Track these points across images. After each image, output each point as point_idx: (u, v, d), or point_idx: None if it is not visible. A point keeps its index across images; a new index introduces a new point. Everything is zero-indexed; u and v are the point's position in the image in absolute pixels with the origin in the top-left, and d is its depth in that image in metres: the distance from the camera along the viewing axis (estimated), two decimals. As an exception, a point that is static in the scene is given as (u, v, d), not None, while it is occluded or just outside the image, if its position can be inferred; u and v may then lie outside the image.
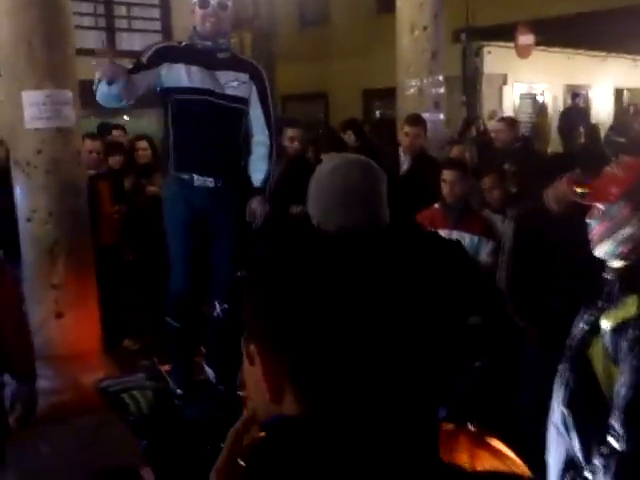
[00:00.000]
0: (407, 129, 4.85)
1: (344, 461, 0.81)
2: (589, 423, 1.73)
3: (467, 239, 3.60)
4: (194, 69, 3.34)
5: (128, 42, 8.60)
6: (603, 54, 11.49)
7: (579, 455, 1.74)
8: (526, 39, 9.77)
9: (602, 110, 12.38)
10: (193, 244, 3.43)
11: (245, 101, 3.47)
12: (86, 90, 4.08)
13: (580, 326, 1.81)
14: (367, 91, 11.34)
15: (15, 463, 2.66)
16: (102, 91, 3.10)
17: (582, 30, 8.98)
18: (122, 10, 8.69)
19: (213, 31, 3.35)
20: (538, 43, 9.78)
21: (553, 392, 1.84)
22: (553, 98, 11.88)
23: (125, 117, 9.36)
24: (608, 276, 1.76)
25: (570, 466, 1.78)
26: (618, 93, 13.06)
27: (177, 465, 2.51)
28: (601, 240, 1.75)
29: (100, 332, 4.16)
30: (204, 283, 3.56)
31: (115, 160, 5.23)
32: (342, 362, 0.85)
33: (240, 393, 2.96)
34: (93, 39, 7.91)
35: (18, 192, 4.02)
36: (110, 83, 3.02)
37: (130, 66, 3.27)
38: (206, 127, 3.34)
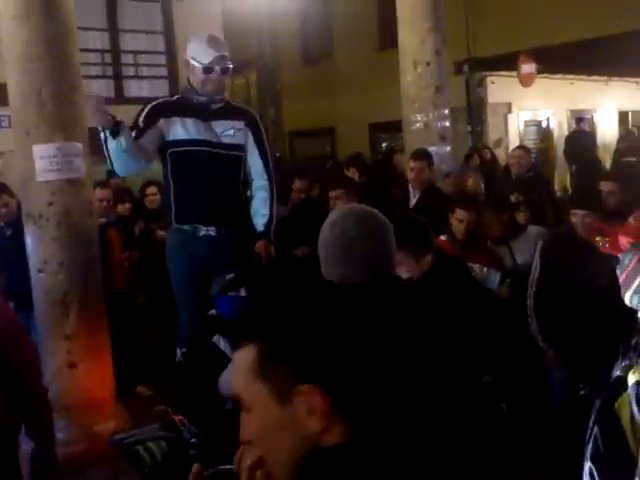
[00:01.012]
0: (412, 164, 4.92)
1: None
2: None
3: (477, 269, 3.63)
4: (189, 121, 3.41)
5: (135, 89, 8.75)
6: (605, 78, 11.55)
7: None
8: (528, 68, 9.86)
9: (607, 133, 12.40)
10: (197, 290, 3.45)
11: (242, 148, 3.54)
12: (94, 138, 4.17)
13: (615, 375, 1.77)
14: (373, 125, 11.44)
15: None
16: (113, 151, 3.15)
17: (584, 56, 9.05)
18: (129, 58, 8.86)
19: (213, 93, 3.45)
20: (540, 71, 9.87)
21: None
22: (558, 124, 11.92)
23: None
24: (638, 326, 1.74)
25: None
26: (622, 116, 13.09)
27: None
28: (625, 289, 1.75)
29: (113, 380, 4.16)
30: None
31: (124, 207, 5.29)
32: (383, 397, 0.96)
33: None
34: (101, 87, 8.07)
35: (29, 243, 4.05)
36: (114, 135, 3.07)
37: (136, 117, 3.35)
38: (206, 177, 3.40)
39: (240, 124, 3.54)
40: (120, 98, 8.12)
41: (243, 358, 0.94)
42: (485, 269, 3.70)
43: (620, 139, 11.60)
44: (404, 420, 1.01)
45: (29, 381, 2.41)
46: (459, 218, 3.73)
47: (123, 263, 4.85)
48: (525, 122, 11.46)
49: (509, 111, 10.94)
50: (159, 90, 8.04)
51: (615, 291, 1.83)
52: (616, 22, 8.06)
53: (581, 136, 10.57)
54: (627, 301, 1.75)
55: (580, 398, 2.72)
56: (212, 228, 3.42)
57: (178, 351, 3.43)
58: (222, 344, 2.67)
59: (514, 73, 9.88)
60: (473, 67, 9.89)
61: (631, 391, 1.63)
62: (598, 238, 1.83)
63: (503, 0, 9.41)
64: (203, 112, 3.45)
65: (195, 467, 1.07)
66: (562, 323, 3.26)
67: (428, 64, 6.46)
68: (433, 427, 1.08)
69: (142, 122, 3.38)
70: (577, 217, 3.23)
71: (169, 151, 3.45)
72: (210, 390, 2.52)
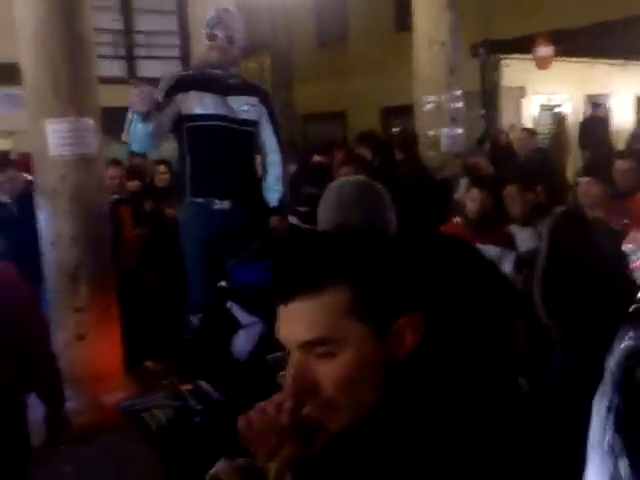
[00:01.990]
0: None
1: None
2: None
3: (490, 251, 3.62)
4: (206, 96, 3.43)
5: (148, 70, 8.78)
6: (622, 61, 11.39)
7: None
8: (545, 50, 9.74)
9: (623, 118, 12.25)
10: (211, 265, 3.48)
11: (256, 124, 3.56)
12: (107, 117, 4.20)
13: (626, 343, 1.78)
14: (385, 109, 11.37)
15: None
16: (138, 132, 3.19)
17: (601, 39, 8.94)
18: (141, 39, 8.89)
19: (221, 61, 3.47)
20: (557, 54, 9.75)
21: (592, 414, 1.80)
22: (573, 109, 11.79)
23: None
24: None
25: None
26: (639, 101, 12.93)
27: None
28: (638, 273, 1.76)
29: (122, 354, 4.22)
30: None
31: (134, 184, 5.34)
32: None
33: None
34: (114, 68, 8.11)
35: (42, 218, 4.11)
36: (144, 119, 3.11)
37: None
38: (222, 151, 3.43)
39: (254, 100, 3.57)
40: (133, 78, 8.15)
41: (331, 299, 0.93)
42: (499, 249, 3.69)
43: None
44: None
45: (40, 347, 2.46)
46: (473, 198, 3.73)
47: (133, 240, 4.90)
48: (540, 106, 11.34)
49: (523, 95, 10.83)
50: (172, 71, 8.05)
51: (622, 268, 1.83)
52: (636, 3, 7.94)
53: (596, 122, 10.45)
54: None
55: (584, 374, 2.71)
56: (226, 202, 3.46)
57: (192, 318, 3.45)
58: (235, 310, 2.71)
59: (529, 56, 9.77)
60: (489, 49, 9.78)
61: None
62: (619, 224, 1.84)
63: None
64: (220, 86, 3.47)
65: (222, 464, 1.05)
66: (568, 301, 3.25)
67: (443, 44, 6.41)
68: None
69: (162, 97, 3.41)
70: (582, 185, 3.21)
71: (186, 125, 3.46)
72: (227, 354, 2.58)
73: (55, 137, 4.01)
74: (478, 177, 4.78)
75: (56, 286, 4.09)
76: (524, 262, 3.69)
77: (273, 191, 3.61)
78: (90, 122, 4.10)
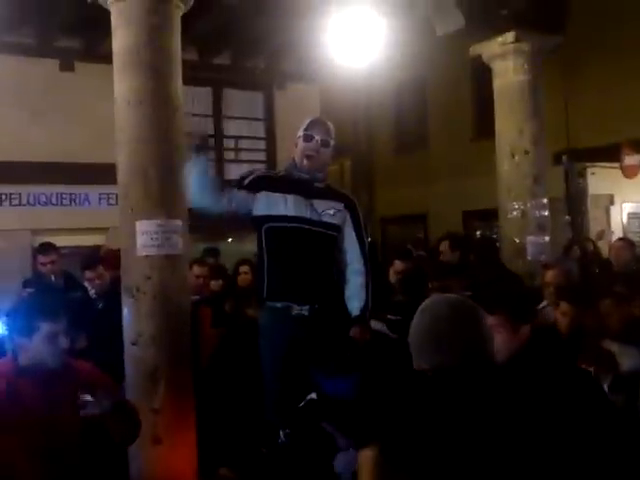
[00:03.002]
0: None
1: None
2: None
3: None
4: (291, 198, 3.41)
5: (235, 172, 9.15)
6: None
7: None
8: (632, 159, 9.53)
9: None
10: (291, 373, 3.37)
11: (339, 229, 3.50)
12: (193, 217, 4.31)
13: None
14: (467, 212, 11.29)
15: None
16: (195, 169, 3.29)
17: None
18: (231, 143, 9.32)
19: (311, 167, 3.46)
20: (645, 162, 9.52)
21: None
22: (665, 217, 11.36)
23: (229, 239, 9.76)
24: None
25: None
26: None
27: None
28: None
29: (196, 459, 4.10)
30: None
31: (217, 283, 5.39)
32: None
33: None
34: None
35: (126, 316, 4.17)
36: (199, 151, 3.24)
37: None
38: (302, 254, 3.36)
39: (340, 205, 3.52)
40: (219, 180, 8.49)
41: (368, 455, 1.04)
42: (591, 370, 3.41)
43: None
44: None
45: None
46: (563, 311, 3.51)
47: (211, 341, 4.88)
48: (629, 214, 11.00)
49: (611, 203, 10.55)
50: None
51: None
52: None
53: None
54: None
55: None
56: (306, 307, 3.36)
57: (281, 432, 3.31)
58: (331, 431, 2.64)
59: (616, 164, 9.58)
60: (572, 158, 9.67)
61: None
62: None
63: (604, 89, 9.24)
64: (305, 189, 3.46)
65: None
66: None
67: (527, 153, 6.37)
68: None
69: (247, 183, 3.47)
70: None
71: (266, 225, 3.44)
72: (321, 469, 2.49)
73: (144, 237, 4.13)
74: (567, 288, 4.54)
75: (135, 384, 4.08)
76: (624, 383, 3.39)
77: (356, 300, 3.49)
78: (178, 223, 4.21)
